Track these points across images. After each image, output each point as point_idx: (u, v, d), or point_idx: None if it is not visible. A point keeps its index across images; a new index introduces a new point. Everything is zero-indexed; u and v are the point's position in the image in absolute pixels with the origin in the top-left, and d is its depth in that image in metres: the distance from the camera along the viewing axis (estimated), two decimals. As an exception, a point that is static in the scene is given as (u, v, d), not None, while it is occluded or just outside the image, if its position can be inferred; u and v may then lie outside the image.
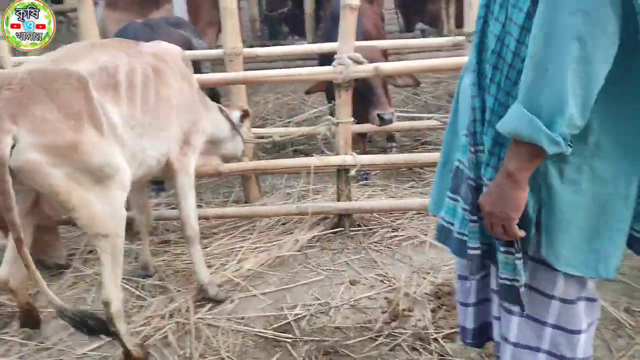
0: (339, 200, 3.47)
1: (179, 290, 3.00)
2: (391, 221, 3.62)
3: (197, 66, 4.28)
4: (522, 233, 1.31)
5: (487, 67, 1.36)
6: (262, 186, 4.33)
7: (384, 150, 5.10)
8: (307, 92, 4.06)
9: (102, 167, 2.13)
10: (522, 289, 1.37)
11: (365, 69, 3.17)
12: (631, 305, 2.66)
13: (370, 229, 3.55)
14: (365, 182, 4.28)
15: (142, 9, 6.74)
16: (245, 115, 3.27)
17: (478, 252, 1.45)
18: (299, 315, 2.77)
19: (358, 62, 3.15)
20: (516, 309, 1.46)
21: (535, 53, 1.15)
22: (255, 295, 2.97)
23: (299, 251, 3.36)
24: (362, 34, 4.04)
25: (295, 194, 3.98)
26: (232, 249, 3.39)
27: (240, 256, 3.31)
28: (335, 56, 3.21)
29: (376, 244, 3.39)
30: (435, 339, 2.52)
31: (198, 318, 2.78)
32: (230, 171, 3.38)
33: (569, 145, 1.17)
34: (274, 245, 3.40)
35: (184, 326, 2.72)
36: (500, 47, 1.31)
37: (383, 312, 2.75)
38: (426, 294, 2.88)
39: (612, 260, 1.32)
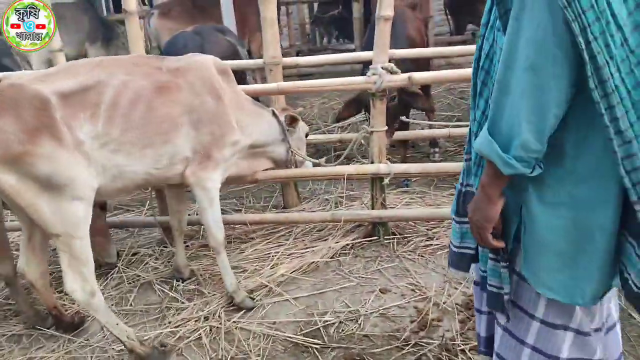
0: (373, 208, 3.50)
1: (214, 294, 3.11)
2: (427, 229, 3.61)
3: (242, 75, 4.42)
4: (499, 244, 1.37)
5: (478, 83, 1.44)
6: (302, 192, 4.41)
7: (427, 156, 5.09)
8: (338, 120, 4.06)
9: (50, 177, 2.37)
10: (506, 297, 1.43)
11: (399, 79, 3.19)
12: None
13: (405, 237, 3.55)
14: (405, 188, 4.29)
15: (193, 17, 6.99)
16: (293, 120, 3.33)
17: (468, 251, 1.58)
18: (329, 322, 2.82)
19: (392, 72, 3.17)
20: (502, 319, 1.50)
21: (500, 78, 1.21)
22: (287, 300, 3.04)
23: (332, 258, 3.41)
24: (405, 40, 4.06)
25: (332, 201, 4.05)
26: (268, 254, 3.48)
27: (275, 261, 3.40)
28: (370, 66, 3.24)
29: (410, 253, 3.40)
30: (463, 350, 2.52)
31: (232, 322, 2.87)
32: (265, 179, 3.45)
33: (539, 166, 1.23)
34: (308, 251, 3.46)
35: (217, 329, 2.82)
36: (488, 65, 1.39)
37: (412, 322, 2.77)
38: (457, 304, 2.87)
39: (588, 288, 1.31)
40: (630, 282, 1.25)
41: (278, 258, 3.43)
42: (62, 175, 2.41)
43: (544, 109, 1.15)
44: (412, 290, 3.04)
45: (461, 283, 3.04)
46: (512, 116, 1.18)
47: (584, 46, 1.08)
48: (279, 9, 5.31)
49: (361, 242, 3.55)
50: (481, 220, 1.35)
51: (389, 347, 2.60)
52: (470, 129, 1.50)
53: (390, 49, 3.49)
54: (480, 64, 1.41)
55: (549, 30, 1.10)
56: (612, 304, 1.50)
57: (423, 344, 2.59)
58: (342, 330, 2.77)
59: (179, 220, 3.24)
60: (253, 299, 3.05)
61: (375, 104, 3.28)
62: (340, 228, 3.59)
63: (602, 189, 1.23)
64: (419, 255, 3.36)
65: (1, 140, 2.29)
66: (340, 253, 3.47)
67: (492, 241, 1.36)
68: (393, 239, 3.53)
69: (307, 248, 3.50)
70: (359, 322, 2.81)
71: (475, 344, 2.51)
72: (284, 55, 3.92)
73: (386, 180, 3.38)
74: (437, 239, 3.48)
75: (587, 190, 1.24)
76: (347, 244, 3.51)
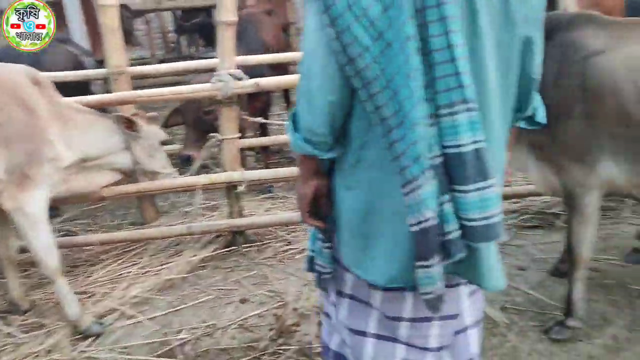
0: (230, 218, 3.43)
1: (57, 325, 2.86)
2: (287, 234, 3.61)
3: (86, 85, 4.14)
4: (316, 222, 1.42)
5: None
6: (163, 205, 4.24)
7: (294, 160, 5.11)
8: (165, 126, 3.74)
9: None
10: (328, 277, 1.48)
11: (247, 85, 3.15)
12: (506, 303, 2.77)
13: (265, 244, 3.53)
14: (270, 194, 4.27)
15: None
16: (129, 124, 3.01)
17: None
18: (184, 340, 2.70)
19: (238, 79, 3.13)
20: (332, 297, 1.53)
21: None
22: (141, 322, 2.88)
23: (190, 272, 3.29)
24: (260, 46, 4.04)
25: (192, 213, 3.92)
26: (120, 274, 3.28)
27: (129, 282, 3.21)
28: (215, 73, 3.17)
29: (269, 259, 3.37)
30: (318, 353, 2.52)
31: (78, 352, 2.65)
32: (113, 195, 3.25)
33: (331, 151, 1.30)
34: (164, 268, 3.31)
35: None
36: None
37: (270, 330, 2.73)
38: (315, 307, 2.88)
39: (381, 268, 1.30)
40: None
41: (132, 278, 3.24)
42: None
43: (312, 95, 1.22)
44: (271, 297, 3.01)
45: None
46: (298, 101, 1.27)
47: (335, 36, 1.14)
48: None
49: (221, 253, 3.46)
50: (298, 198, 1.43)
51: (247, 357, 2.54)
52: None
53: (245, 54, 3.46)
54: None
55: (312, 26, 1.17)
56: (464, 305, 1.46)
57: (281, 351, 2.56)
58: (198, 346, 2.66)
59: (6, 246, 2.92)
60: (102, 324, 2.84)
61: (224, 111, 3.22)
62: (197, 241, 3.48)
63: (388, 175, 1.24)
64: (278, 261, 3.35)
65: None
66: (199, 267, 3.36)
67: (308, 219, 1.42)
68: (252, 247, 3.48)
69: (163, 265, 3.35)
70: (216, 336, 2.72)
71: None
72: (146, 64, 3.74)
73: (240, 188, 3.33)
74: (295, 243, 3.49)
75: (376, 176, 1.27)
76: (206, 257, 3.41)
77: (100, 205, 4.34)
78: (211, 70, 3.28)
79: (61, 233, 3.79)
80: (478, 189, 1.15)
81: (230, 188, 3.38)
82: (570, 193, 2.36)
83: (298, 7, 7.33)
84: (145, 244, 3.57)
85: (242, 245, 3.47)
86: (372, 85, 1.14)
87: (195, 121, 3.55)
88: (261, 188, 4.27)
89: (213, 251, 3.46)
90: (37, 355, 2.64)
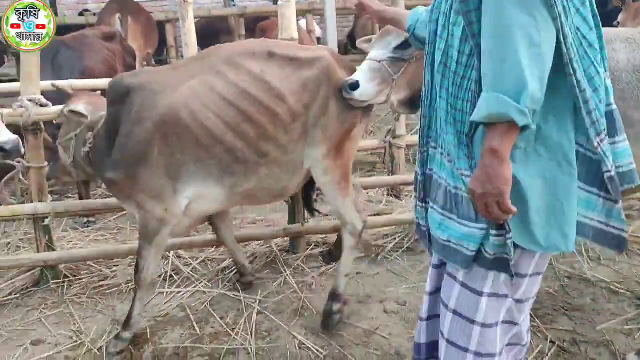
0: (38, 251, 3.22)
1: None
2: (106, 268, 3.44)
3: None
4: (514, 208, 1.40)
5: (437, 77, 1.62)
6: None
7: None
8: None
9: None
10: (512, 262, 1.52)
11: (51, 112, 2.99)
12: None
13: (80, 279, 3.33)
14: (89, 227, 4.09)
15: None
16: None
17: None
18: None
19: (42, 105, 2.97)
20: (508, 279, 1.60)
21: (489, 47, 1.38)
22: None
23: (-13, 311, 3.04)
24: (82, 71, 3.88)
25: (12, 245, 3.66)
26: None
27: None
28: (18, 98, 2.99)
29: (80, 295, 3.18)
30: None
31: None
32: None
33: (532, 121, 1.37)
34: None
35: None
36: (445, 59, 1.58)
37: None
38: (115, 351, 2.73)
39: (570, 235, 1.50)
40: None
41: None
42: None
43: (543, 61, 1.35)
44: (70, 337, 2.83)
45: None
46: (517, 73, 1.32)
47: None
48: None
49: (27, 289, 3.23)
50: (500, 186, 1.38)
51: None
52: (422, 125, 1.73)
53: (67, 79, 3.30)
54: (437, 60, 1.61)
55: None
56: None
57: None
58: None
59: None
60: None
61: (28, 138, 3.03)
62: (0, 276, 3.23)
63: (563, 144, 1.47)
64: (88, 297, 3.16)
65: None
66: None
67: (511, 206, 1.40)
68: (63, 282, 3.28)
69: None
70: (-7, 383, 2.51)
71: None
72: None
73: (47, 221, 3.13)
74: (112, 278, 3.33)
75: (549, 147, 1.47)
76: (10, 293, 3.17)
77: None
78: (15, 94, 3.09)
79: None
80: (623, 140, 1.54)
81: (37, 220, 3.17)
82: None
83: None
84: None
85: (52, 282, 3.26)
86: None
87: None
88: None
89: (20, 287, 3.22)
90: None
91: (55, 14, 9.15)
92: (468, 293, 1.64)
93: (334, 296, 2.85)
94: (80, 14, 8.70)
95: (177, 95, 2.47)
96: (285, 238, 3.65)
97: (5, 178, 3.04)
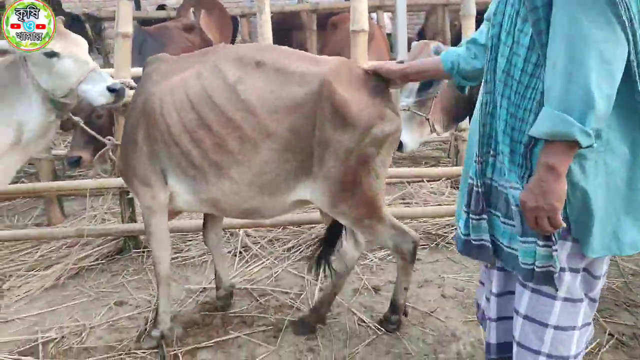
0: (122, 222, 3.52)
1: None
2: (182, 242, 3.70)
3: None
4: (564, 223, 1.43)
5: (498, 85, 1.57)
6: (77, 209, 4.31)
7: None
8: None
9: None
10: (556, 274, 1.52)
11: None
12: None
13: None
14: None
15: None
16: None
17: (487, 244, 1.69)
18: (50, 338, 2.76)
19: (131, 88, 3.24)
20: (552, 291, 1.59)
21: (557, 60, 1.33)
22: (14, 320, 2.93)
23: (77, 274, 3.36)
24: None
25: (98, 217, 4.01)
26: (3, 273, 3.33)
27: (13, 282, 3.26)
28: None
29: (156, 265, 3.45)
30: (176, 355, 2.61)
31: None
32: (5, 193, 3.31)
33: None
34: (51, 268, 3.37)
35: None
36: (508, 67, 1.53)
37: (137, 332, 2.81)
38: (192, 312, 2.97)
39: (626, 239, 1.52)
40: None
41: (17, 277, 3.30)
42: None
43: (614, 79, 1.32)
44: (148, 301, 3.09)
45: (202, 292, 3.16)
46: (584, 91, 1.29)
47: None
48: None
49: (112, 256, 3.54)
50: (553, 202, 1.39)
51: (105, 356, 2.61)
52: (482, 134, 1.64)
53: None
54: (500, 68, 1.55)
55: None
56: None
57: (139, 353, 2.63)
58: (62, 345, 2.73)
59: None
60: None
61: (119, 118, 3.32)
62: (88, 243, 3.55)
63: (629, 154, 1.47)
64: (164, 267, 3.43)
65: None
66: (87, 268, 3.43)
67: (561, 222, 1.42)
68: (143, 252, 3.57)
69: (50, 265, 3.41)
70: (83, 335, 2.79)
71: (192, 347, 2.64)
72: None
73: (131, 194, 3.42)
74: (186, 251, 3.58)
75: (617, 157, 1.47)
76: (97, 259, 3.49)
77: (10, 203, 4.43)
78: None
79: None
80: None
81: (122, 193, 3.47)
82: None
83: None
84: (37, 244, 3.62)
85: (133, 250, 3.55)
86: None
87: (86, 124, 3.62)
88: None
89: (105, 254, 3.53)
90: None
91: (138, 8, 9.73)
92: (541, 298, 1.63)
93: (393, 307, 2.75)
94: (159, 8, 9.17)
95: (161, 86, 2.43)
96: (349, 223, 3.79)
97: (97, 155, 3.33)
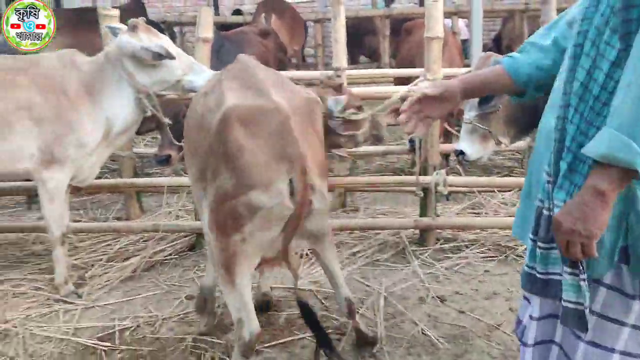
0: (195, 220, 3.66)
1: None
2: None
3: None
4: (597, 254, 1.34)
5: (573, 99, 1.44)
6: (154, 205, 4.54)
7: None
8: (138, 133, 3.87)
9: None
10: (587, 311, 1.39)
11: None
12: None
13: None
14: None
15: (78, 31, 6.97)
16: None
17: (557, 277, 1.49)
18: (126, 326, 2.92)
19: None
20: (582, 334, 1.47)
21: (634, 82, 1.24)
22: (94, 307, 3.12)
23: (152, 267, 3.53)
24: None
25: (173, 213, 4.20)
26: (86, 262, 3.55)
27: (93, 271, 3.47)
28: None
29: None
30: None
31: (25, 327, 2.90)
32: (90, 187, 3.53)
33: None
34: (129, 260, 3.56)
35: (6, 335, 2.85)
36: (588, 80, 1.40)
37: (205, 325, 2.91)
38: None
39: None
40: None
41: (98, 267, 3.51)
42: None
43: None
44: (217, 296, 3.20)
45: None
46: None
47: None
48: None
49: (184, 252, 3.70)
50: (592, 229, 1.30)
51: (175, 347, 2.73)
52: (555, 150, 1.48)
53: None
54: (578, 79, 1.43)
55: None
56: None
57: (206, 346, 2.73)
58: (137, 334, 2.87)
59: None
60: (80, 296, 3.19)
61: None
62: (163, 238, 3.72)
63: None
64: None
65: None
66: (161, 262, 3.60)
67: (595, 252, 1.32)
68: (214, 249, 3.69)
69: (128, 257, 3.60)
70: (156, 326, 2.93)
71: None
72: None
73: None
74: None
75: None
76: (170, 254, 3.65)
77: (94, 197, 4.72)
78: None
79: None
80: None
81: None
82: None
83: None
84: (117, 236, 3.84)
85: (205, 248, 3.68)
86: None
87: (174, 123, 3.80)
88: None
89: (177, 249, 3.70)
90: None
91: (217, 13, 10.07)
92: (596, 351, 1.48)
93: None
94: (234, 13, 9.46)
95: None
96: (415, 230, 3.77)
97: (181, 153, 3.48)
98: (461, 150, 2.85)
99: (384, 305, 3.03)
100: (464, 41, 8.12)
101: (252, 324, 2.19)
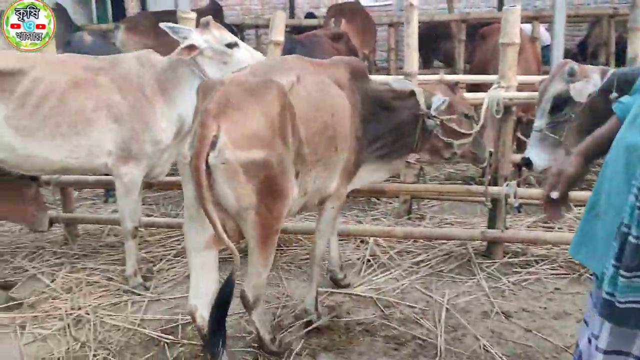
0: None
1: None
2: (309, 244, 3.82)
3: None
4: None
5: None
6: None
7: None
8: None
9: None
10: None
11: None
12: (495, 341, 2.77)
13: (290, 249, 3.77)
14: None
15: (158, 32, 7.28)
16: None
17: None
18: (189, 321, 2.99)
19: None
20: None
21: None
22: (161, 299, 3.23)
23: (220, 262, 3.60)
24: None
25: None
26: (155, 256, 3.68)
27: (161, 265, 3.60)
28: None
29: (289, 264, 3.60)
30: (299, 353, 2.70)
31: (97, 315, 3.04)
32: (162, 184, 3.66)
33: None
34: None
35: (80, 322, 3.01)
36: None
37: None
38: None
39: None
40: None
41: (163, 262, 3.64)
42: None
43: None
44: (277, 297, 3.23)
45: (330, 295, 3.23)
46: None
47: None
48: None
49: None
50: None
51: (231, 345, 2.77)
52: None
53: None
54: None
55: None
56: None
57: (256, 349, 2.74)
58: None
59: None
60: (147, 288, 3.31)
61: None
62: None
63: None
64: (295, 266, 3.57)
65: None
66: (225, 259, 3.64)
67: None
68: (277, 250, 3.70)
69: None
70: (217, 322, 2.99)
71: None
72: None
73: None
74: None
75: None
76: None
77: (165, 194, 4.90)
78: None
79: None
80: None
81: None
82: None
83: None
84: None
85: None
86: None
87: None
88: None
89: (244, 249, 3.75)
90: (65, 310, 3.07)
91: (292, 16, 10.21)
92: None
93: None
94: (307, 17, 9.55)
95: None
96: (483, 242, 3.65)
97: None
98: (528, 159, 2.74)
99: (445, 317, 2.95)
100: (545, 47, 7.80)
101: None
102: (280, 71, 2.48)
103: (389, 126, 2.89)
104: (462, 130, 2.99)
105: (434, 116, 2.89)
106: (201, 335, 2.48)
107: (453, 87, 3.05)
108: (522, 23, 8.91)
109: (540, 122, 2.69)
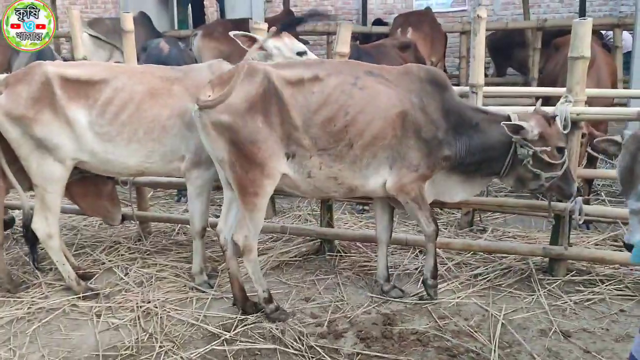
0: (321, 226, 3.81)
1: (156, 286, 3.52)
2: (373, 252, 3.88)
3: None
4: None
5: None
6: (286, 207, 4.81)
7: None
8: None
9: (42, 140, 3.13)
10: None
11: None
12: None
13: (349, 256, 3.84)
14: (362, 214, 4.60)
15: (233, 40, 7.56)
16: None
17: None
18: (247, 319, 3.13)
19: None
20: None
21: None
22: (223, 298, 3.39)
23: (277, 267, 3.75)
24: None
25: (292, 216, 4.44)
26: (220, 256, 3.85)
27: (225, 264, 3.76)
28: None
29: (346, 270, 3.68)
30: (350, 356, 2.77)
31: (164, 309, 3.24)
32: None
33: None
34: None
35: (149, 314, 3.21)
36: None
37: (317, 325, 3.05)
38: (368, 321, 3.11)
39: None
40: None
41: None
42: (52, 141, 3.16)
43: None
44: (334, 302, 3.30)
45: (385, 303, 3.28)
46: None
47: None
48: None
49: (308, 255, 3.87)
50: None
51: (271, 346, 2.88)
52: None
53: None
54: None
55: None
56: None
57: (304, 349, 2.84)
58: (256, 327, 3.07)
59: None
60: (211, 286, 3.49)
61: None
62: (290, 240, 3.92)
63: None
64: (353, 272, 3.64)
65: (14, 101, 3.04)
66: (286, 263, 3.80)
67: None
68: (336, 255, 3.82)
69: (258, 255, 3.81)
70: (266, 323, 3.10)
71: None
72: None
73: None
74: (375, 261, 3.73)
75: None
76: (295, 256, 3.84)
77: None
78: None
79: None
80: None
81: (324, 200, 3.77)
82: None
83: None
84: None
85: (327, 253, 3.83)
86: None
87: None
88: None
89: (303, 252, 3.88)
90: (136, 303, 3.29)
91: (364, 23, 10.26)
92: None
93: None
94: (374, 23, 9.56)
95: None
96: (544, 258, 3.58)
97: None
98: (631, 245, 2.27)
99: (500, 332, 2.93)
100: (627, 53, 7.46)
101: None
102: (301, 67, 3.00)
103: (478, 144, 3.03)
104: (554, 162, 2.96)
105: (528, 145, 2.89)
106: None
107: (549, 118, 3.01)
108: (604, 30, 8.51)
109: (638, 204, 2.27)
